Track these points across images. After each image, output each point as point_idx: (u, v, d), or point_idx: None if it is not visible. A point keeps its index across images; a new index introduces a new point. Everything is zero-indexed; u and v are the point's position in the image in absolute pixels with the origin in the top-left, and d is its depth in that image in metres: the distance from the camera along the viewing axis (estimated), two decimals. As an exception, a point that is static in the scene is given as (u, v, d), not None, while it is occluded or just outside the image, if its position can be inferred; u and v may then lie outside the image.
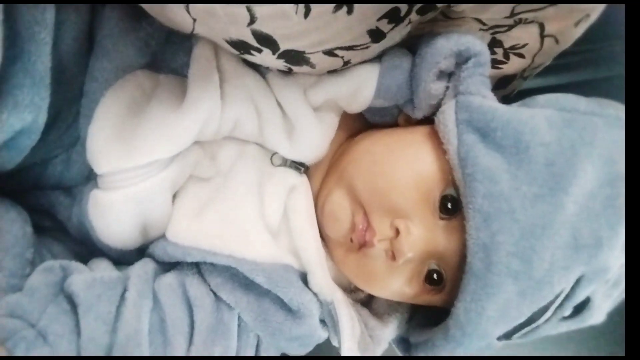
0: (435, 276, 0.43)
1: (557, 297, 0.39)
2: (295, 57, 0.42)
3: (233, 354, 0.45)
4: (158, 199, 0.45)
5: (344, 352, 0.46)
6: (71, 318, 0.38)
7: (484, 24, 0.47)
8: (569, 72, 0.76)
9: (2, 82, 0.36)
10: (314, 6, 0.36)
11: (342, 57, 0.43)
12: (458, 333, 0.40)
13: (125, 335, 0.39)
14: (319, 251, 0.48)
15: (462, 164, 0.39)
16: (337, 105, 0.49)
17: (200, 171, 0.48)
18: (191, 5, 0.37)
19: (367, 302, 0.53)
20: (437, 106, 0.46)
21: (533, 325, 0.41)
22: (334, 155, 0.52)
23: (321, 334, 0.47)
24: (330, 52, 0.42)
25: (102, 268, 0.44)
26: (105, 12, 0.44)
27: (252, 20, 0.37)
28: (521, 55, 0.50)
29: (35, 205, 0.46)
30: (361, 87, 0.46)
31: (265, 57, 0.42)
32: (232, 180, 0.48)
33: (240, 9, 0.36)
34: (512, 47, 0.49)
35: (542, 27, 0.47)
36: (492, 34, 0.48)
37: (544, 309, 0.39)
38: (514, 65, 0.51)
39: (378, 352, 0.48)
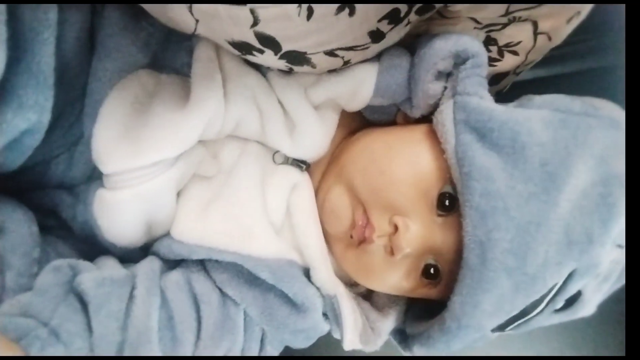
0: (432, 270, 0.45)
1: (550, 291, 0.40)
2: (296, 58, 0.42)
3: (240, 348, 0.46)
4: (163, 197, 0.45)
5: (346, 344, 0.47)
6: (83, 316, 0.39)
7: (479, 23, 0.47)
8: (559, 64, 0.77)
9: (6, 83, 0.36)
10: (316, 8, 0.36)
11: (342, 57, 0.44)
12: (454, 325, 0.41)
13: (136, 332, 0.39)
14: (321, 247, 0.49)
15: (460, 162, 0.41)
16: (337, 104, 0.49)
17: (204, 170, 0.49)
18: (194, 6, 0.38)
19: (368, 296, 0.54)
20: (435, 105, 0.46)
21: (526, 318, 0.42)
22: (333, 152, 0.52)
23: (324, 327, 0.48)
24: (331, 53, 0.42)
25: (110, 266, 0.45)
26: (105, 12, 0.44)
27: (255, 22, 0.37)
28: (515, 53, 0.51)
29: (39, 205, 0.46)
30: (360, 86, 0.46)
31: (267, 58, 0.43)
32: (234, 178, 0.48)
33: (244, 10, 0.36)
34: (506, 45, 0.50)
35: (535, 25, 0.48)
36: (486, 32, 0.49)
37: (537, 303, 0.41)
38: (508, 62, 0.52)
39: (379, 343, 0.49)
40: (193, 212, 0.47)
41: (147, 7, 0.42)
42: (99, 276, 0.41)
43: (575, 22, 0.50)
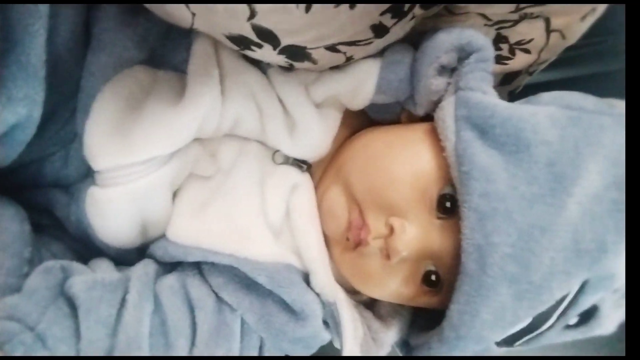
0: (432, 277, 0.42)
1: (559, 303, 0.38)
2: (296, 53, 0.41)
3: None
4: (157, 196, 0.44)
5: (346, 354, 0.45)
6: (71, 321, 0.38)
7: (489, 19, 0.46)
8: (574, 66, 0.75)
9: None
10: (315, -1, 0.35)
11: (344, 53, 0.42)
12: (452, 335, 0.39)
13: (125, 339, 0.38)
14: (321, 250, 0.47)
15: (459, 161, 0.38)
16: (339, 102, 0.48)
17: (201, 169, 0.47)
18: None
19: (371, 305, 0.52)
20: (439, 103, 0.44)
21: (535, 333, 0.40)
22: (335, 153, 0.51)
23: (325, 336, 0.46)
24: (332, 48, 0.41)
25: (103, 269, 0.43)
26: (101, 6, 0.43)
27: (253, 15, 0.36)
28: (527, 51, 0.50)
29: (33, 204, 0.45)
30: (362, 83, 0.45)
31: (266, 53, 0.41)
32: (233, 178, 0.47)
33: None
34: (518, 43, 0.49)
35: (547, 22, 0.47)
36: (497, 29, 0.48)
37: (546, 315, 0.38)
38: (519, 61, 0.50)
39: (381, 354, 0.47)
40: (189, 212, 0.46)
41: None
42: (90, 279, 0.39)
43: (590, 20, 0.49)
